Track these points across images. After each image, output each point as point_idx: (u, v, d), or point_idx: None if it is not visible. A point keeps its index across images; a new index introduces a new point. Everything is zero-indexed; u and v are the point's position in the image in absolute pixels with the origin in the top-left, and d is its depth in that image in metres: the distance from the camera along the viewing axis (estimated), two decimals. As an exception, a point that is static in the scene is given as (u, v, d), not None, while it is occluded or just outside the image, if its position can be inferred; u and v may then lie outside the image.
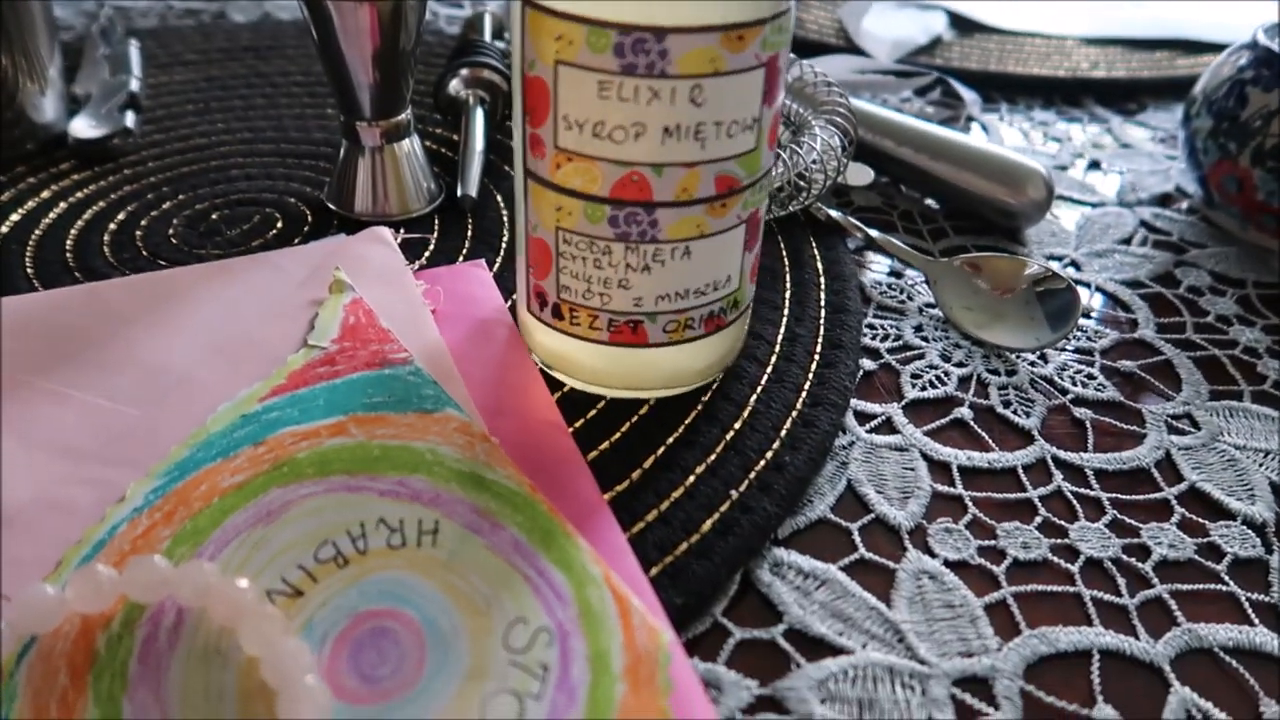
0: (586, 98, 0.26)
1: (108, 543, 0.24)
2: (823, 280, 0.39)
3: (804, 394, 0.33)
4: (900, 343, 0.37)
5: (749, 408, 0.32)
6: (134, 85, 0.47)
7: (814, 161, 0.41)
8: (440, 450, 0.27)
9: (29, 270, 0.36)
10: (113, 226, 0.39)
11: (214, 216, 0.40)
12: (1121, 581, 0.28)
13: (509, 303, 0.35)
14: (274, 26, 0.60)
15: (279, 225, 0.40)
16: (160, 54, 0.55)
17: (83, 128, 0.44)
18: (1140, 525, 0.30)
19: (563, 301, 0.30)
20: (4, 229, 0.39)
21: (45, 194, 0.41)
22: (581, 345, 0.31)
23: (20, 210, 0.40)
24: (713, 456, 0.30)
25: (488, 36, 0.51)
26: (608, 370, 0.31)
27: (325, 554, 0.24)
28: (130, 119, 0.44)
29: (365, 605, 0.23)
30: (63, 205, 0.40)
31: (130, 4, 0.65)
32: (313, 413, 0.29)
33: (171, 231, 0.39)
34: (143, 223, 0.40)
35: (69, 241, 0.38)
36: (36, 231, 0.39)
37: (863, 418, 0.33)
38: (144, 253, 0.38)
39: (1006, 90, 0.60)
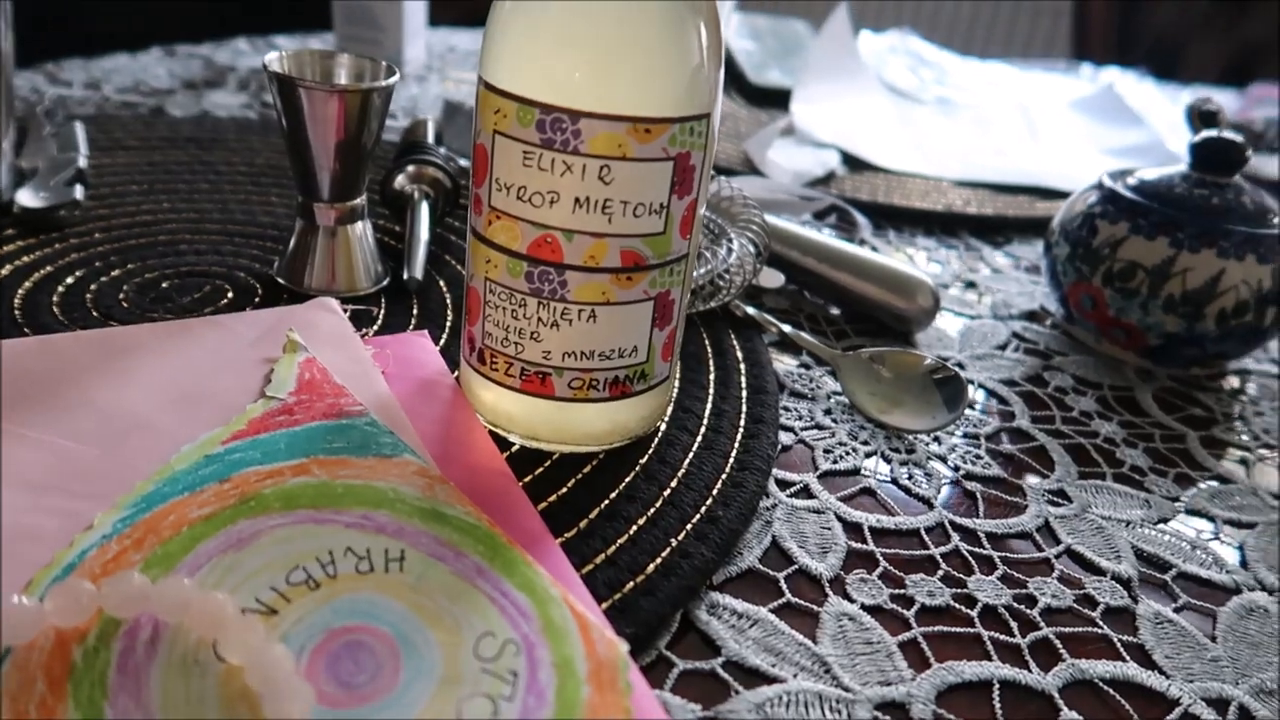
0: (514, 164, 0.30)
1: (78, 565, 0.25)
2: (743, 366, 0.42)
3: (731, 459, 0.36)
4: (813, 423, 0.41)
5: (683, 469, 0.35)
6: (81, 161, 0.48)
7: (733, 263, 0.46)
8: (401, 489, 0.29)
9: (-25, 324, 0.37)
10: (61, 289, 0.40)
11: (164, 285, 0.41)
12: (1014, 624, 0.31)
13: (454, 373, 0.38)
14: (215, 121, 0.63)
15: (229, 295, 0.41)
16: (101, 138, 0.56)
17: (29, 197, 0.45)
18: (1027, 579, 0.33)
19: (486, 347, 0.33)
20: (-53, 285, 0.39)
21: (-11, 256, 0.42)
22: (500, 391, 0.34)
23: (-36, 269, 0.40)
24: (653, 509, 0.32)
25: (430, 140, 0.54)
26: (518, 416, 0.34)
27: (296, 577, 0.25)
28: (79, 192, 0.46)
29: (339, 622, 0.24)
30: (8, 268, 0.41)
31: (67, 92, 0.66)
32: (275, 455, 0.30)
33: (122, 296, 0.40)
34: (92, 287, 0.40)
35: (17, 299, 0.39)
36: (-18, 289, 0.39)
37: (783, 484, 0.36)
38: (94, 313, 0.39)
39: (893, 219, 0.67)
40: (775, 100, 0.85)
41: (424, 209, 0.48)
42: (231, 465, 0.29)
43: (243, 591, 0.25)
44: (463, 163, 0.52)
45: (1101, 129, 0.92)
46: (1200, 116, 0.51)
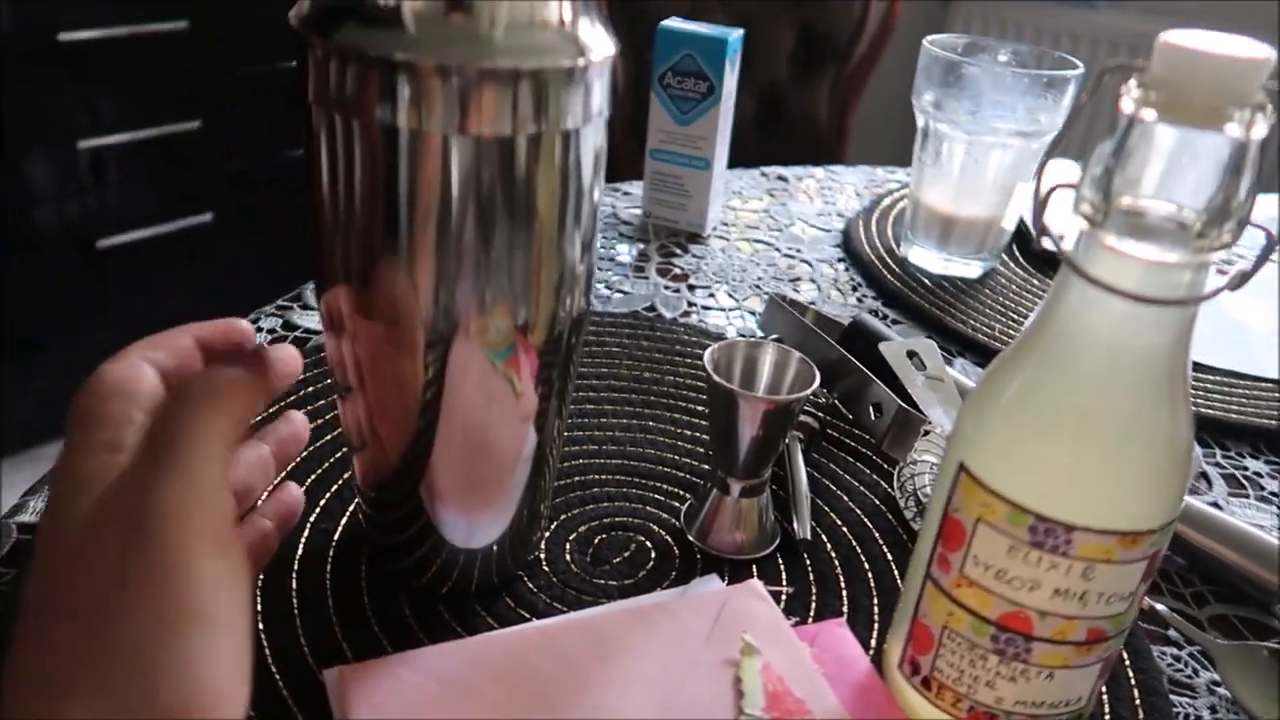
0: (997, 551, 0.34)
1: None
2: (1125, 656, 0.44)
3: (1147, 786, 0.38)
4: (1201, 725, 0.42)
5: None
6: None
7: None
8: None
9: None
10: (518, 546, 0.47)
11: (597, 541, 0.48)
12: None
13: (869, 652, 0.42)
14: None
15: (653, 558, 0.47)
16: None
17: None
18: None
19: (933, 678, 0.37)
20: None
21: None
22: (939, 715, 0.37)
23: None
24: None
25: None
26: None
27: None
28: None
29: None
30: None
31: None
32: (766, 783, 0.35)
33: (569, 558, 0.47)
34: (542, 545, 0.47)
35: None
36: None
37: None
38: (554, 579, 0.45)
39: (1207, 430, 0.65)
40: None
41: (799, 458, 0.52)
42: (739, 798, 0.34)
43: None
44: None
45: None
46: None
